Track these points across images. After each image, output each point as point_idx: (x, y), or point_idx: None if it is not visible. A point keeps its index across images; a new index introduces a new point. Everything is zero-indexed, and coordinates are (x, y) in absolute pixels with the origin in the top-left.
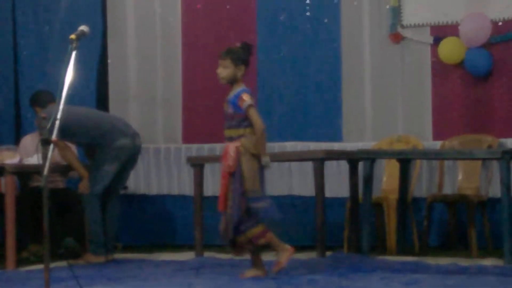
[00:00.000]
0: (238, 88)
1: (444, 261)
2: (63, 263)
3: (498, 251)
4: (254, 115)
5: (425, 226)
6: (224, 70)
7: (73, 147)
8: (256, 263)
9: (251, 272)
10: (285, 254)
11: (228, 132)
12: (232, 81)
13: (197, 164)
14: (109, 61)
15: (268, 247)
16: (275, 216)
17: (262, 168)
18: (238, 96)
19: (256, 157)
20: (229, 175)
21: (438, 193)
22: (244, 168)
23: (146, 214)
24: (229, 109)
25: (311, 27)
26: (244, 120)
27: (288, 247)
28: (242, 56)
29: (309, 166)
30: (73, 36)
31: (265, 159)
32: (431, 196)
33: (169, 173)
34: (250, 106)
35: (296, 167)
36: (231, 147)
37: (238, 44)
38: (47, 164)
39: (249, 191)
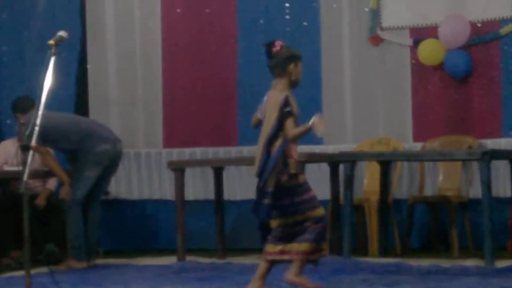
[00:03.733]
0: None
1: (425, 262)
2: (44, 269)
3: (479, 251)
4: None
5: (406, 228)
6: None
7: (51, 153)
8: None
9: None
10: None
11: None
12: None
13: (178, 169)
14: (88, 66)
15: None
16: None
17: None
18: None
19: None
20: None
21: (419, 194)
22: None
23: (128, 219)
24: None
25: (291, 30)
26: None
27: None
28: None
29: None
30: (51, 42)
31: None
32: (412, 198)
33: (150, 177)
34: None
35: None
36: None
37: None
38: (27, 170)
39: None
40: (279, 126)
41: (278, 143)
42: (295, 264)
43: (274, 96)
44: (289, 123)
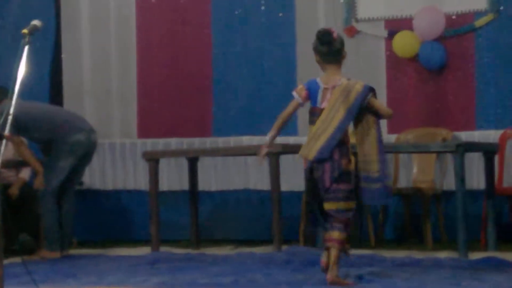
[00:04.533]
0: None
1: (399, 254)
2: (17, 259)
3: (453, 243)
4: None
5: (380, 219)
6: None
7: (25, 142)
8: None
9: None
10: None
11: None
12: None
13: (153, 159)
14: (63, 55)
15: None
16: None
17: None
18: None
19: None
20: None
21: (393, 186)
22: None
23: (102, 210)
24: None
25: (266, 21)
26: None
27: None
28: (315, 46)
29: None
30: (25, 31)
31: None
32: None
33: (125, 168)
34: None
35: (252, 161)
36: None
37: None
38: (0, 160)
39: None
40: (358, 114)
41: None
42: (335, 260)
43: (343, 82)
44: (380, 103)
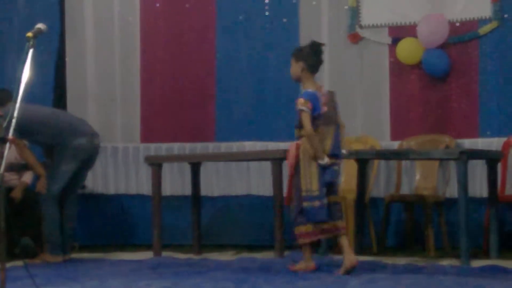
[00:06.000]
0: (303, 90)
1: (401, 261)
2: (19, 263)
3: (455, 251)
4: (303, 120)
5: (382, 226)
6: (291, 69)
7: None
8: (305, 256)
9: (300, 265)
10: (302, 266)
11: (295, 131)
12: (298, 80)
13: (155, 164)
14: (67, 59)
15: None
16: (317, 218)
17: (321, 169)
18: (296, 100)
19: (313, 159)
20: (291, 172)
21: (396, 193)
22: (301, 167)
23: (104, 214)
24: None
25: (270, 26)
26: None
27: (310, 264)
28: (305, 53)
29: (267, 165)
30: (29, 34)
31: (321, 161)
32: (389, 196)
33: (127, 172)
34: (301, 111)
35: (254, 166)
36: (292, 145)
37: (308, 42)
38: (3, 163)
39: (303, 190)
40: None
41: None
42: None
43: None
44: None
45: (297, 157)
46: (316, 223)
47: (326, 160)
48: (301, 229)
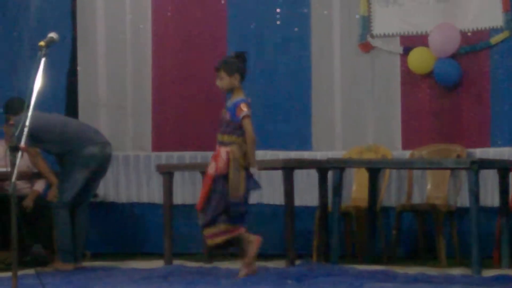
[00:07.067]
0: (238, 97)
1: (412, 270)
2: (31, 271)
3: (466, 260)
4: (248, 125)
5: (394, 235)
6: (221, 82)
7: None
8: (243, 261)
9: (241, 273)
10: (252, 247)
11: (221, 137)
12: (230, 90)
13: (167, 172)
14: (78, 68)
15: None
16: (237, 221)
17: (249, 177)
18: (237, 105)
19: (243, 166)
20: (213, 177)
21: (407, 202)
22: (231, 173)
23: (115, 222)
24: (227, 116)
25: (282, 35)
26: (238, 129)
27: (253, 237)
28: (236, 65)
29: (278, 174)
30: (42, 43)
31: (254, 169)
32: (400, 206)
33: (139, 181)
34: (246, 116)
35: (265, 175)
36: (223, 151)
37: (232, 54)
38: (15, 171)
39: (232, 196)
40: None
41: None
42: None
43: None
44: None
45: (227, 164)
46: (235, 225)
47: (256, 169)
48: (220, 227)
